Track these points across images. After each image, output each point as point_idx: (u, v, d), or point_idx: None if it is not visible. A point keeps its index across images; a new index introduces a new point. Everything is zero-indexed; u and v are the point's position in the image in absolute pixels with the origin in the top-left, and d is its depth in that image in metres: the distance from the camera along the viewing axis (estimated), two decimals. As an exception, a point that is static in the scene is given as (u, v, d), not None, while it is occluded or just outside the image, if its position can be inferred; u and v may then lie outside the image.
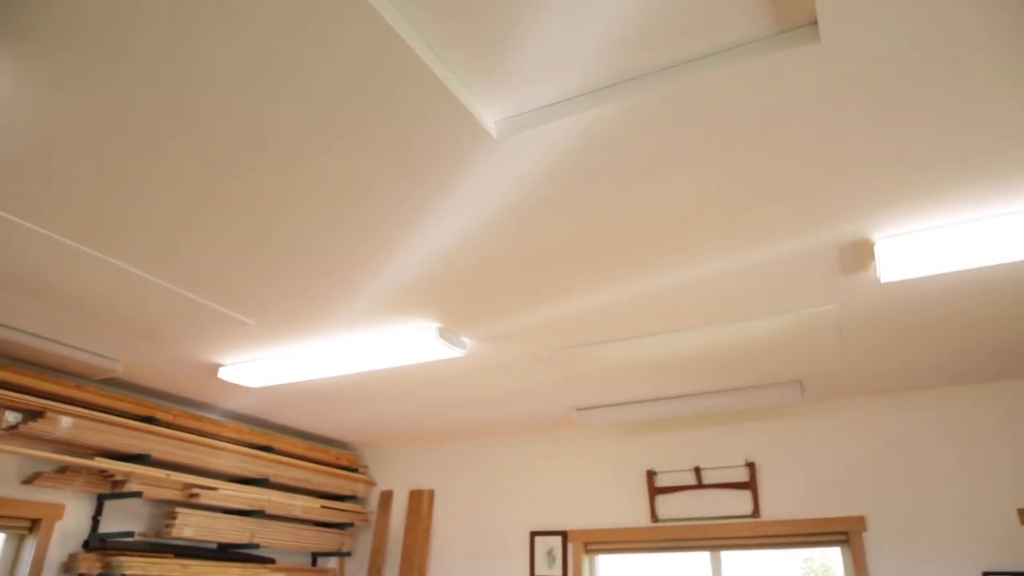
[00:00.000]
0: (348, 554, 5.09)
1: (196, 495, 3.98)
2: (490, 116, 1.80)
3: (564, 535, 4.59)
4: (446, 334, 3.08)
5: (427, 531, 5.06)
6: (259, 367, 3.52)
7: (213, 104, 1.70)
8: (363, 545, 5.28)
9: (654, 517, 4.38)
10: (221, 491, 4.11)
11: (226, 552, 4.23)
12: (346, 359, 3.33)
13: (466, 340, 3.24)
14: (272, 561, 4.47)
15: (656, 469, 4.51)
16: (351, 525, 5.17)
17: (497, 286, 2.71)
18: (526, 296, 2.80)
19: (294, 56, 1.55)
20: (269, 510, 4.43)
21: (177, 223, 2.26)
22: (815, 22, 1.52)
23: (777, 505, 4.13)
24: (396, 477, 5.42)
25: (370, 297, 2.81)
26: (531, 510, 4.81)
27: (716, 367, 3.59)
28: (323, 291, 2.76)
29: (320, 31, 1.48)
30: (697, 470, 4.37)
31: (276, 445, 4.70)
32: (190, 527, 3.95)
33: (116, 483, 3.72)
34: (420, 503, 5.18)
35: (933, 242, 2.25)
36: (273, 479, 4.56)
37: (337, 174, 1.99)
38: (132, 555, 3.67)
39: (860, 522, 3.86)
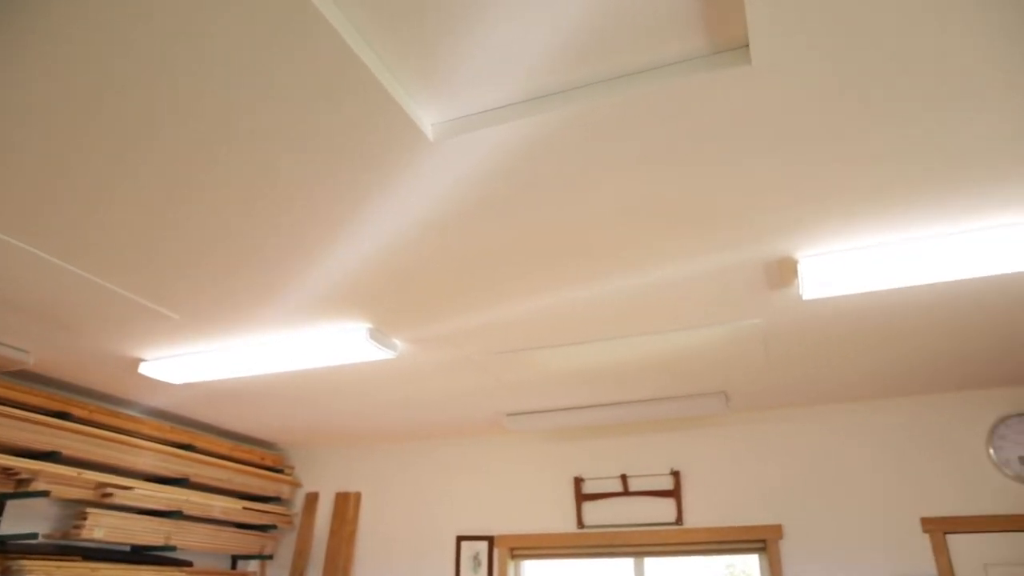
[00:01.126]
0: (270, 557, 4.96)
1: (110, 495, 3.81)
2: (427, 118, 1.79)
3: (490, 540, 4.59)
4: (376, 335, 3.05)
5: (352, 534, 4.98)
6: (183, 363, 3.40)
7: (135, 93, 1.64)
8: (286, 548, 5.16)
9: (580, 523, 4.42)
10: (137, 490, 3.95)
11: (139, 554, 4.07)
12: (275, 358, 3.25)
13: (397, 342, 3.20)
14: (189, 564, 4.33)
15: (584, 476, 4.55)
16: (274, 527, 5.04)
17: (430, 289, 2.70)
18: (459, 300, 2.79)
19: (230, 50, 1.50)
20: (188, 511, 4.28)
21: (100, 211, 2.16)
22: (747, 45, 1.57)
23: (700, 513, 4.22)
24: (322, 479, 5.32)
25: (301, 296, 2.76)
26: (458, 514, 4.79)
27: (645, 376, 3.65)
28: (254, 288, 2.69)
29: (259, 26, 1.44)
30: (624, 477, 4.44)
31: (198, 444, 4.55)
32: (101, 528, 3.79)
33: (21, 481, 3.53)
34: (346, 505, 5.09)
35: (853, 262, 2.34)
36: (193, 479, 4.41)
37: (270, 170, 1.94)
38: (34, 558, 3.49)
39: (777, 530, 3.99)
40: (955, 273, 2.36)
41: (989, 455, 3.78)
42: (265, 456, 5.11)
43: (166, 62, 1.55)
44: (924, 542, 3.71)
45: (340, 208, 2.13)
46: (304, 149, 1.85)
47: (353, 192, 2.05)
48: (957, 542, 3.68)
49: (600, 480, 4.51)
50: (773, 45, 1.51)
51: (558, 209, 2.14)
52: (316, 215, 2.17)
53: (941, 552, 3.65)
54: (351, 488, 5.19)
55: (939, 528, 3.71)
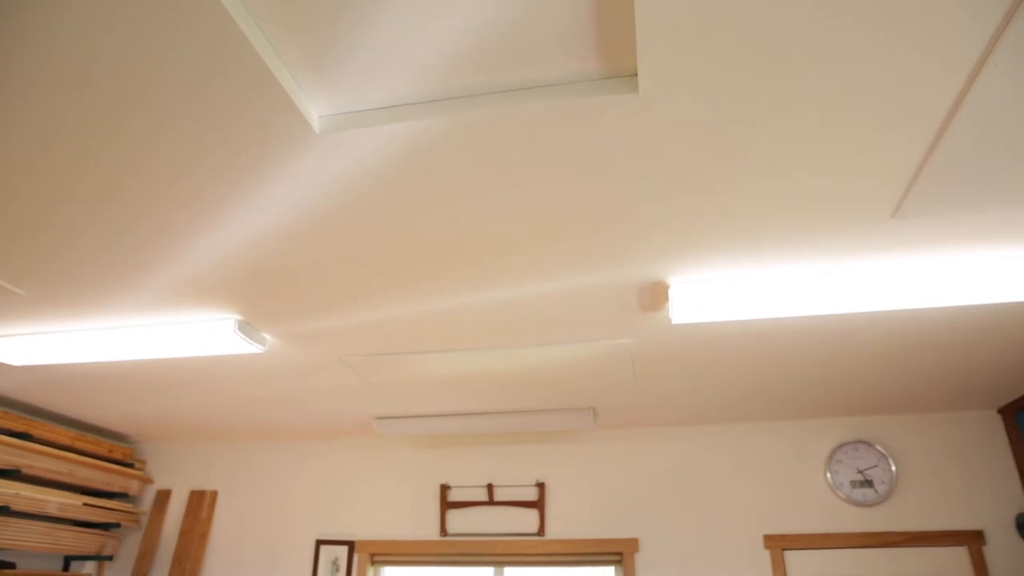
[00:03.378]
0: (109, 558, 4.62)
1: (-77, 484, 3.44)
2: (315, 110, 1.74)
3: (351, 545, 4.49)
4: (245, 328, 2.92)
5: (205, 535, 4.73)
6: (25, 343, 3.12)
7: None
8: (129, 548, 4.83)
9: (444, 531, 4.41)
10: (-43, 481, 3.59)
11: (-46, 551, 3.69)
12: (133, 344, 3.04)
13: (267, 336, 3.08)
14: (11, 565, 3.96)
15: (450, 483, 4.55)
16: (117, 526, 4.71)
17: (305, 284, 2.62)
18: (334, 298, 2.72)
19: (110, 11, 1.40)
20: (16, 506, 3.92)
21: (-67, 169, 1.95)
22: (636, 74, 1.63)
23: (561, 524, 4.31)
24: (177, 475, 5.02)
25: (166, 281, 2.60)
26: (320, 517, 4.65)
27: (516, 388, 3.70)
28: (114, 269, 2.51)
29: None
30: (490, 487, 4.47)
31: (35, 432, 4.18)
32: (-90, 521, 3.40)
33: None
34: (200, 504, 4.83)
35: (722, 291, 2.48)
36: (27, 471, 4.05)
37: (139, 145, 1.82)
38: None
39: (634, 544, 4.13)
40: (811, 309, 2.54)
41: (826, 478, 4.09)
42: (114, 449, 4.77)
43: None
44: (765, 557, 3.97)
45: (213, 192, 2.03)
46: (178, 125, 1.75)
47: (229, 177, 1.95)
48: (793, 557, 3.95)
49: (466, 489, 4.52)
50: (660, 77, 1.58)
51: (439, 215, 2.14)
52: (187, 196, 2.06)
53: (779, 567, 3.91)
54: (208, 486, 4.94)
55: (778, 545, 3.97)
